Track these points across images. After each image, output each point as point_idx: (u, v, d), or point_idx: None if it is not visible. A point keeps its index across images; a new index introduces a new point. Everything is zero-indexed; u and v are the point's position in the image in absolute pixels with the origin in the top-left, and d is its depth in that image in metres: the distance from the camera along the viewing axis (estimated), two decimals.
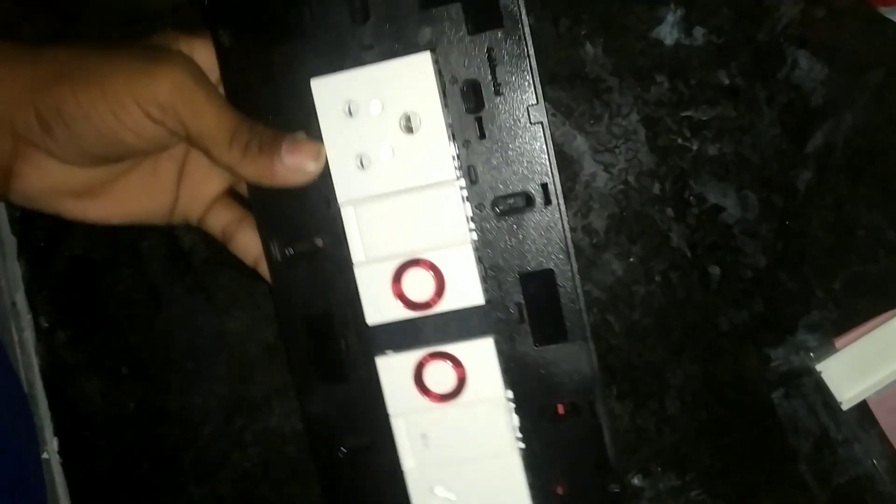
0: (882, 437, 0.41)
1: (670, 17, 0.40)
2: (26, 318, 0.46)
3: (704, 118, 0.40)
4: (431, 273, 0.33)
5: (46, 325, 0.46)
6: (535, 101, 0.32)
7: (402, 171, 0.33)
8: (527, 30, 0.32)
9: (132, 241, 0.44)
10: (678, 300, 0.41)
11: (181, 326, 0.45)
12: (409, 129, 0.33)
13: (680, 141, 0.41)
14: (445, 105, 0.33)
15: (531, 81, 0.32)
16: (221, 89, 0.34)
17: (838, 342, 0.41)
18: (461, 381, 0.34)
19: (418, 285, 0.33)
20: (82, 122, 0.31)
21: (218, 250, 0.44)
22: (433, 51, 0.32)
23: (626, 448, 0.43)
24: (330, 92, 0.33)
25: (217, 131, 0.31)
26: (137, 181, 0.35)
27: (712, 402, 0.42)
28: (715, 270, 0.41)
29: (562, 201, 0.33)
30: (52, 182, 0.33)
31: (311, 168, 0.32)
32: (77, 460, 0.46)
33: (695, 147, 0.41)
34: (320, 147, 0.33)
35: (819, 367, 0.40)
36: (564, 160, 0.41)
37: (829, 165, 0.40)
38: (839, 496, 0.42)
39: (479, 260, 0.33)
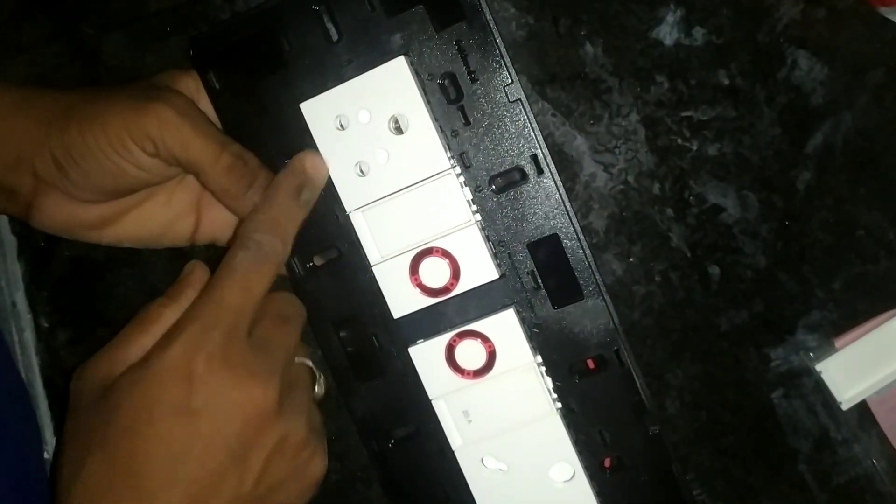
0: (882, 437, 0.41)
1: (670, 17, 0.40)
2: (26, 318, 0.46)
3: (704, 118, 0.40)
4: (445, 259, 0.35)
5: (46, 325, 0.46)
6: (510, 81, 0.34)
7: (399, 170, 0.35)
8: (488, 16, 0.34)
9: None
10: (678, 300, 0.41)
11: None
12: (399, 131, 0.35)
13: (680, 141, 0.41)
14: (428, 101, 0.35)
15: (503, 63, 0.34)
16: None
17: (838, 342, 0.41)
18: (491, 355, 0.35)
19: (434, 273, 0.35)
20: (90, 160, 0.33)
21: (218, 250, 0.44)
22: (406, 54, 0.35)
23: None
24: (320, 111, 0.35)
25: (204, 159, 0.33)
26: (151, 211, 0.37)
27: (712, 402, 0.42)
28: (715, 270, 0.41)
29: (553, 168, 0.35)
30: (69, 217, 0.35)
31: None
32: None
33: (695, 147, 0.41)
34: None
35: (819, 367, 0.40)
36: (564, 160, 0.41)
37: (829, 165, 0.40)
38: (839, 496, 0.42)
39: (487, 238, 0.35)
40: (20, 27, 0.44)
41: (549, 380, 0.36)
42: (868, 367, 0.40)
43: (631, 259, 0.41)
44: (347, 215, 0.36)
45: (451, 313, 0.36)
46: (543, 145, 0.35)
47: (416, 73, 0.34)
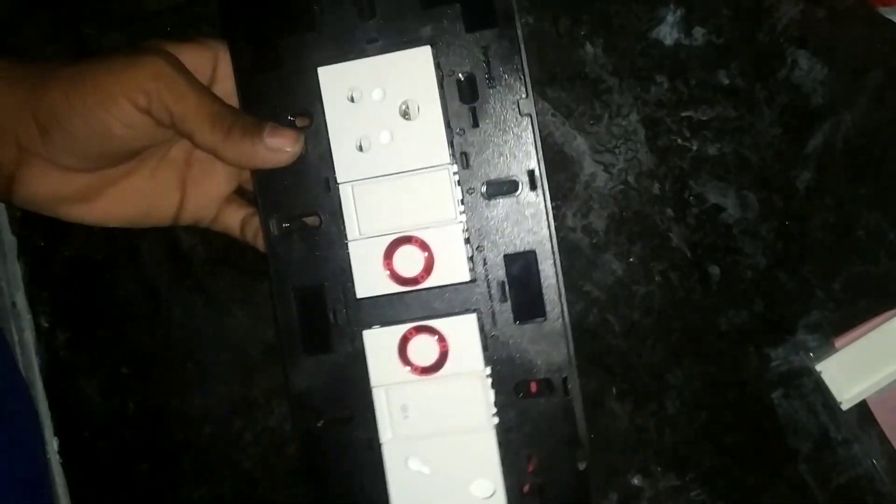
0: (882, 437, 0.41)
1: (670, 17, 0.40)
2: (26, 318, 0.46)
3: (704, 118, 0.40)
4: (422, 251, 0.35)
5: (46, 325, 0.46)
6: (524, 96, 0.35)
7: (399, 154, 0.35)
8: (519, 30, 0.34)
9: (132, 242, 0.44)
10: (678, 300, 0.41)
11: (181, 326, 0.45)
12: (408, 116, 0.35)
13: (680, 141, 0.41)
14: (442, 95, 0.35)
15: (522, 78, 0.35)
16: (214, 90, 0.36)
17: (838, 342, 0.41)
18: (443, 355, 0.35)
19: (408, 262, 0.36)
20: (75, 119, 0.32)
21: (218, 250, 0.44)
22: (433, 45, 0.35)
23: (626, 448, 0.43)
24: (335, 79, 0.35)
25: (199, 114, 0.33)
26: (135, 185, 0.37)
27: (712, 402, 0.42)
28: (715, 270, 0.41)
29: (546, 187, 0.35)
30: (52, 188, 0.35)
31: (290, 149, 0.34)
32: (77, 460, 0.46)
33: (695, 147, 0.41)
34: (298, 133, 0.35)
35: (819, 367, 0.40)
36: (564, 160, 0.41)
37: (829, 165, 0.40)
38: (839, 496, 0.42)
39: (468, 240, 0.36)
40: (20, 27, 0.44)
41: (492, 393, 0.35)
42: (868, 367, 0.40)
43: (631, 259, 0.41)
44: (338, 186, 0.36)
45: (414, 305, 0.36)
46: (542, 163, 0.35)
47: (438, 66, 0.35)
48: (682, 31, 0.40)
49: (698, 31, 0.40)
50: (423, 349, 0.35)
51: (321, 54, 0.36)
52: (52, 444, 0.46)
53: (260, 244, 0.37)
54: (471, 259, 0.36)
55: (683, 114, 0.40)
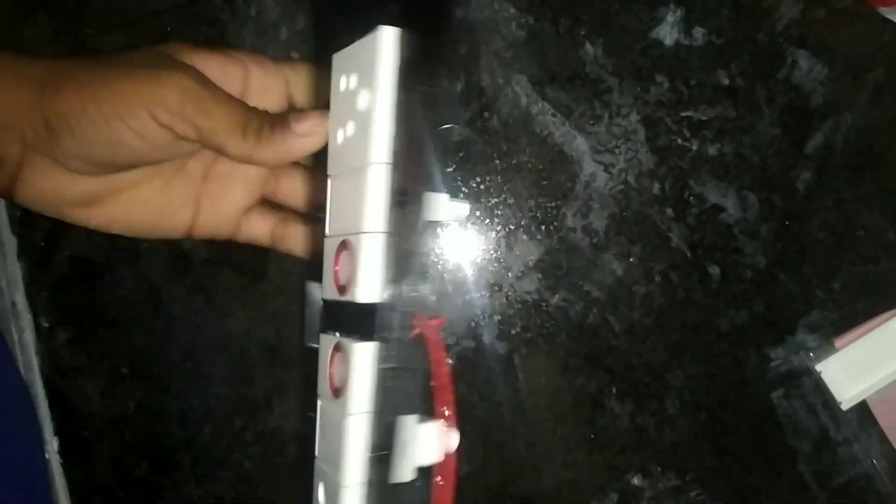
0: (882, 437, 0.41)
1: (670, 17, 0.40)
2: (26, 318, 0.46)
3: (704, 118, 0.40)
4: (350, 258, 0.30)
5: (46, 325, 0.46)
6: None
7: (356, 148, 0.30)
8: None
9: (132, 242, 0.44)
10: (678, 300, 0.41)
11: (181, 326, 0.45)
12: (364, 109, 0.30)
13: (680, 141, 0.41)
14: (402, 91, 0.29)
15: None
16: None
17: (838, 342, 0.41)
18: (346, 380, 0.29)
19: (344, 267, 0.30)
20: (88, 125, 0.31)
21: (218, 250, 0.44)
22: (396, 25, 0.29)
23: (626, 448, 0.43)
24: (338, 64, 0.32)
25: (229, 126, 0.32)
26: (144, 196, 0.36)
27: (712, 402, 0.42)
28: (715, 270, 0.41)
29: None
30: (56, 189, 0.34)
31: (322, 129, 0.33)
32: (77, 460, 0.46)
33: (695, 147, 0.41)
34: (321, 112, 0.33)
35: (819, 367, 0.40)
36: (564, 160, 0.41)
37: (829, 165, 0.40)
38: (839, 496, 0.42)
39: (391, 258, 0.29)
40: (20, 27, 0.44)
41: (375, 435, 0.29)
42: (868, 367, 0.40)
43: (631, 259, 0.41)
44: (327, 177, 0.32)
45: (344, 317, 0.30)
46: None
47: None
48: (682, 31, 0.40)
49: (698, 31, 0.40)
50: (339, 368, 0.30)
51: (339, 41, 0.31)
52: (52, 444, 0.46)
53: (296, 250, 0.37)
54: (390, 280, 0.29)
55: (683, 114, 0.40)
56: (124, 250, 0.44)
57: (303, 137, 0.33)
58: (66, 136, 0.32)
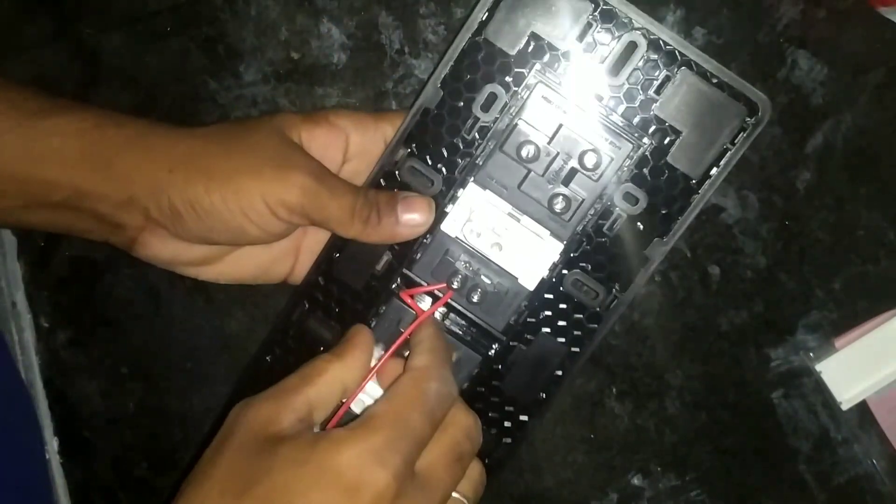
0: (882, 437, 0.41)
1: (670, 17, 0.40)
2: (26, 318, 0.46)
3: None
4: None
5: (46, 325, 0.46)
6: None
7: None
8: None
9: None
10: (678, 300, 0.41)
11: (181, 326, 0.45)
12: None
13: None
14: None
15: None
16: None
17: (838, 342, 0.41)
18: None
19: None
20: (213, 217, 0.34)
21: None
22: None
23: (626, 448, 0.43)
24: None
25: (341, 216, 0.35)
26: (252, 254, 0.38)
27: (712, 402, 0.42)
28: (715, 270, 0.41)
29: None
30: (174, 254, 0.37)
31: (423, 219, 0.36)
32: (77, 460, 0.46)
33: None
34: (429, 200, 0.36)
35: (819, 367, 0.40)
36: None
37: (829, 165, 0.40)
38: (839, 496, 0.42)
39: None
40: (20, 27, 0.44)
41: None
42: (868, 367, 0.40)
43: None
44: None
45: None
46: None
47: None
48: (682, 31, 0.40)
49: (698, 31, 0.40)
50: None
51: None
52: (52, 444, 0.46)
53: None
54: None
55: None
56: (124, 250, 0.44)
57: (407, 227, 0.36)
58: (191, 221, 0.34)
